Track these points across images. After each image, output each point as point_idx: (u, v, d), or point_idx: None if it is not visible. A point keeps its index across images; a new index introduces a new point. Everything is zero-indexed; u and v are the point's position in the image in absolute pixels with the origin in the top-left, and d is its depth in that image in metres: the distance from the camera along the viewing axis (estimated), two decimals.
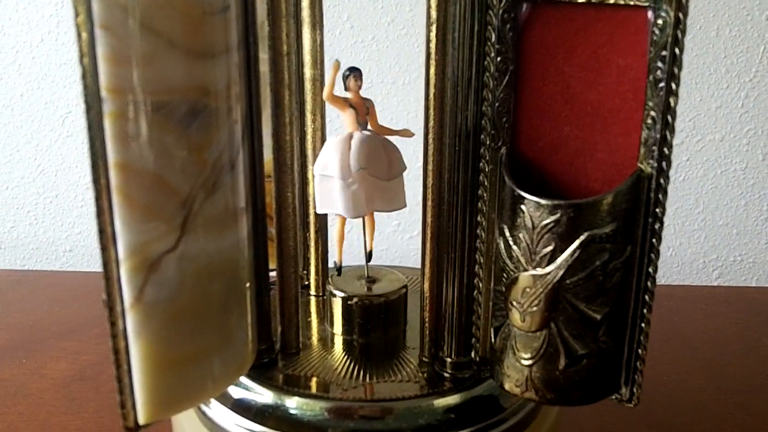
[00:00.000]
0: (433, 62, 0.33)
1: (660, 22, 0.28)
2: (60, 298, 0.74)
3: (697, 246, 0.88)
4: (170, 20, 0.27)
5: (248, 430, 0.35)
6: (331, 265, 0.44)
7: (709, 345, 0.67)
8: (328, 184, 0.37)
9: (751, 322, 0.72)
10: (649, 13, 0.28)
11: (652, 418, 0.55)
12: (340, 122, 0.38)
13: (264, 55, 0.34)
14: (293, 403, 0.35)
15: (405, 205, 0.39)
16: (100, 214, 0.27)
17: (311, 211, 0.43)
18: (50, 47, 0.83)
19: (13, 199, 0.89)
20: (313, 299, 0.45)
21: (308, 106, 0.41)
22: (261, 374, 0.37)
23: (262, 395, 0.36)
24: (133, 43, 0.26)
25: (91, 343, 0.65)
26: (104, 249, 0.28)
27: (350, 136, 0.37)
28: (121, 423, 0.30)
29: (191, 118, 0.28)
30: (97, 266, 0.89)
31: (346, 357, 0.39)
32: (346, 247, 0.41)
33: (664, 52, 0.28)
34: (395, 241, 0.84)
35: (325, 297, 0.43)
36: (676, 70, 0.28)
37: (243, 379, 0.36)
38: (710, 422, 0.55)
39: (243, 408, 0.36)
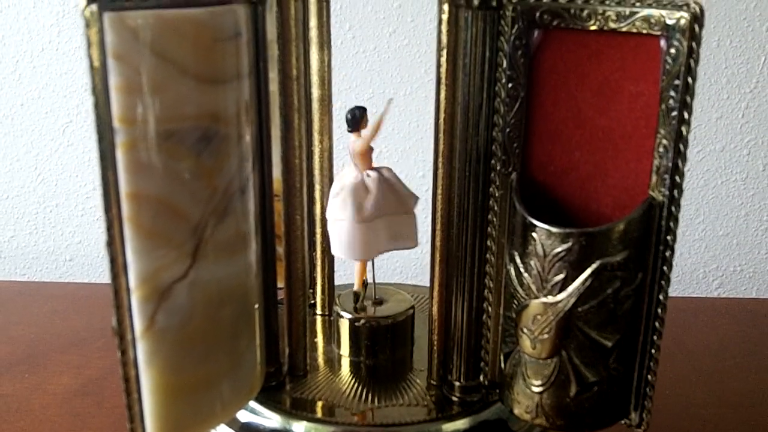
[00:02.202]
0: (443, 87, 0.33)
1: (673, 51, 0.28)
2: (61, 310, 0.74)
3: (697, 256, 0.88)
4: (182, 48, 0.27)
5: None
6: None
7: (711, 357, 0.67)
8: (337, 228, 0.37)
9: (752, 334, 0.72)
10: (662, 42, 0.28)
11: (654, 429, 0.55)
12: (346, 140, 0.38)
13: (272, 74, 0.34)
14: (301, 428, 0.35)
15: (416, 245, 0.39)
16: (111, 243, 0.27)
17: (318, 231, 0.43)
18: (51, 57, 0.83)
19: (13, 209, 0.89)
20: (319, 318, 0.45)
21: (315, 126, 0.41)
22: (269, 397, 0.37)
23: (270, 419, 0.36)
24: (145, 72, 0.26)
25: (93, 357, 0.65)
26: (115, 277, 0.28)
27: (364, 177, 0.37)
28: None
29: (202, 145, 0.28)
30: (97, 277, 0.89)
31: (353, 379, 0.39)
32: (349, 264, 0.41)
33: (676, 81, 0.28)
34: (395, 253, 0.84)
35: (332, 317, 0.43)
36: (688, 99, 0.28)
37: (251, 403, 0.36)
38: None
39: None
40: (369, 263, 0.41)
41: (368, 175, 0.37)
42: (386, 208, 0.37)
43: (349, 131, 0.37)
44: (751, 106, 0.83)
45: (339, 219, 0.37)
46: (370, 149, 0.38)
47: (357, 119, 0.37)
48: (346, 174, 0.37)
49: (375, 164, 0.38)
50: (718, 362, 0.66)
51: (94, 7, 0.25)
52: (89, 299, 0.76)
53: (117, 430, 0.54)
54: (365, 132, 0.37)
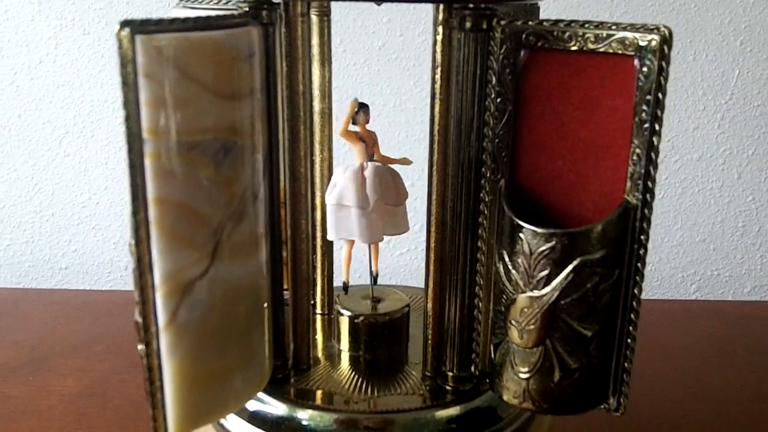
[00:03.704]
0: (438, 102, 0.36)
1: (645, 69, 0.31)
2: (61, 316, 0.75)
3: (675, 261, 0.91)
4: (204, 67, 0.30)
5: None
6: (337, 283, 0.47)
7: (688, 357, 0.69)
8: (343, 213, 0.39)
9: (728, 335, 0.74)
10: (636, 62, 0.31)
11: (635, 425, 0.58)
12: (345, 150, 0.41)
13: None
14: (305, 416, 0.38)
15: (408, 229, 0.42)
16: (138, 243, 0.30)
17: (318, 235, 0.46)
18: (48, 69, 0.84)
19: (10, 218, 0.90)
20: (319, 317, 0.48)
21: (317, 137, 0.44)
22: (275, 389, 0.39)
23: (277, 408, 0.39)
24: (171, 89, 0.29)
25: (95, 360, 0.66)
26: (141, 275, 0.30)
27: (362, 167, 0.40)
28: None
29: (222, 155, 0.31)
30: (92, 284, 0.90)
31: (353, 372, 0.42)
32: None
33: (648, 96, 0.31)
34: (385, 257, 0.86)
35: (332, 316, 0.46)
36: (659, 113, 0.31)
37: (259, 393, 0.39)
38: (690, 428, 0.57)
39: (259, 420, 0.39)
40: (366, 265, 0.44)
41: (368, 167, 0.40)
42: (386, 198, 0.40)
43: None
44: (726, 117, 0.86)
45: (337, 203, 0.40)
46: (365, 143, 0.41)
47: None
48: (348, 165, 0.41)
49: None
50: (695, 361, 0.69)
51: (127, 30, 0.27)
52: (88, 306, 0.78)
53: (122, 428, 0.56)
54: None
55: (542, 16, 0.37)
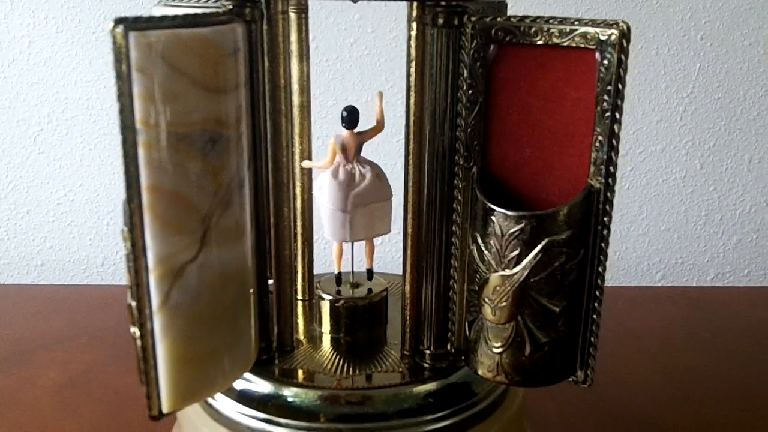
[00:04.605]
0: (413, 94, 0.38)
1: (606, 62, 0.33)
2: (41, 311, 0.76)
3: (641, 250, 0.93)
4: (192, 62, 0.32)
5: (251, 417, 0.40)
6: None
7: (656, 340, 0.72)
8: (329, 213, 0.42)
9: (692, 318, 0.77)
10: (597, 55, 0.33)
11: (605, 406, 0.60)
12: (321, 145, 0.43)
13: None
14: (290, 393, 0.40)
15: (390, 231, 0.44)
16: (133, 229, 0.31)
17: (299, 224, 0.48)
18: (22, 67, 0.85)
19: None
20: (300, 303, 0.50)
21: (296, 130, 0.45)
22: (261, 369, 0.41)
23: (263, 386, 0.40)
24: (162, 83, 0.31)
25: (77, 353, 0.68)
26: (136, 259, 0.32)
27: (345, 171, 0.41)
28: (147, 413, 0.34)
29: (210, 146, 0.33)
30: (68, 280, 0.90)
31: (334, 352, 0.44)
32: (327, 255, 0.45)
33: (609, 87, 0.33)
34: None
35: (313, 301, 0.48)
36: (619, 102, 0.33)
37: (246, 374, 0.40)
38: (658, 408, 0.60)
39: (246, 398, 0.40)
40: (348, 252, 0.46)
41: (356, 167, 0.42)
42: (371, 198, 0.42)
43: (345, 127, 0.42)
44: (689, 110, 0.88)
45: (329, 206, 0.42)
46: (346, 151, 0.42)
47: (357, 117, 0.42)
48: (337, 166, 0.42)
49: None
50: (662, 344, 0.71)
51: (121, 27, 0.29)
52: (68, 300, 0.79)
53: (106, 417, 0.58)
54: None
55: (511, 11, 0.39)
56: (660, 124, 0.88)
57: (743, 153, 0.90)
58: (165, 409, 0.34)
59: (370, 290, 0.46)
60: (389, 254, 0.89)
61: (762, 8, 0.84)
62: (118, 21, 0.29)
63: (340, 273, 0.46)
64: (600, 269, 0.36)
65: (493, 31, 0.35)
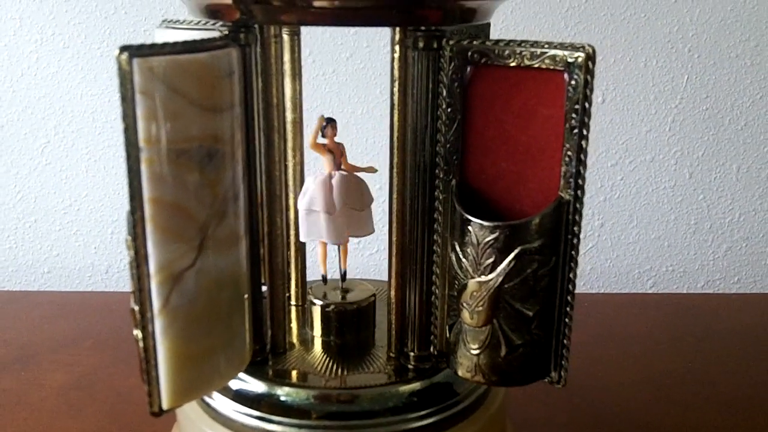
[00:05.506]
0: (396, 112, 0.41)
1: (573, 82, 0.36)
2: (48, 316, 0.79)
3: (632, 258, 0.95)
4: (191, 84, 0.34)
5: (246, 415, 0.43)
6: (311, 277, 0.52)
7: (640, 344, 0.74)
8: (313, 218, 0.44)
9: (677, 324, 0.78)
10: (566, 76, 0.36)
11: (589, 407, 0.62)
12: (315, 156, 0.45)
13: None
14: (283, 392, 0.43)
15: (374, 231, 0.47)
16: (136, 238, 0.34)
17: (292, 233, 0.50)
18: (30, 81, 0.87)
19: None
20: (293, 308, 0.52)
21: (290, 144, 0.48)
22: (255, 370, 0.44)
23: (257, 386, 0.43)
24: (163, 103, 0.33)
25: (83, 356, 0.70)
26: (138, 266, 0.35)
27: (330, 177, 0.44)
28: (148, 410, 0.37)
29: (207, 160, 0.35)
30: (74, 286, 0.93)
31: (325, 355, 0.46)
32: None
33: (576, 106, 0.36)
34: (356, 256, 0.90)
35: (305, 306, 0.51)
36: (586, 119, 0.36)
37: (241, 374, 0.43)
38: (640, 410, 0.62)
39: (242, 397, 0.43)
40: (339, 258, 0.48)
41: (335, 176, 0.44)
42: (351, 203, 0.44)
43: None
44: (677, 120, 0.89)
45: (308, 209, 0.44)
46: (332, 154, 0.45)
47: (322, 127, 0.45)
48: (318, 174, 0.45)
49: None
50: (648, 349, 0.73)
51: (125, 54, 0.32)
52: (74, 306, 0.82)
53: (110, 417, 0.60)
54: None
55: (500, 29, 0.41)
56: (649, 135, 0.90)
57: (731, 162, 0.91)
58: (165, 406, 0.37)
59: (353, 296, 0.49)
60: (376, 262, 0.91)
61: (747, 21, 0.86)
62: (123, 48, 0.32)
63: (325, 274, 0.49)
64: (571, 275, 0.38)
65: (469, 54, 0.38)
